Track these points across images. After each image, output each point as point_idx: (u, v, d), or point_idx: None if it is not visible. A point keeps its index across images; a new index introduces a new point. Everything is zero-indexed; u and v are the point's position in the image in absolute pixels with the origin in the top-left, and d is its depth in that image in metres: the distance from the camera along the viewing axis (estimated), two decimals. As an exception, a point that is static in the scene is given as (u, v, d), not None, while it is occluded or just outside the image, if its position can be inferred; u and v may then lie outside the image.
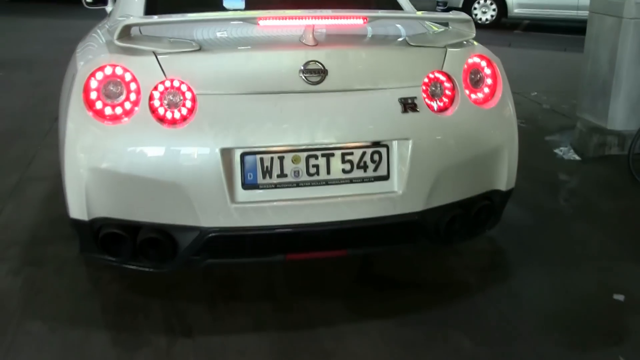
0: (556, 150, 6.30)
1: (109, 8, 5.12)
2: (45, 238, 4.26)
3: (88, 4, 5.43)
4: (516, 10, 14.82)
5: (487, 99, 3.52)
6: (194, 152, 3.06)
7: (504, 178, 3.66)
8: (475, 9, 15.09)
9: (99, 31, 3.99)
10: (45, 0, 19.99)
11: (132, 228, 3.16)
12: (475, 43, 3.71)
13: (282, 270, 3.93)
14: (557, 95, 8.50)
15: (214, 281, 3.81)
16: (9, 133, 6.54)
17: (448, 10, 15.32)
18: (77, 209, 3.15)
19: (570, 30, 14.68)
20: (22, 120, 7.03)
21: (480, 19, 15.10)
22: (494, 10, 14.97)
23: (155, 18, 3.48)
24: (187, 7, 3.71)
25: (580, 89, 6.65)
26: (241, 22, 3.65)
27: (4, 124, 6.87)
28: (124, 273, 3.71)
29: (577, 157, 6.13)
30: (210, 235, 3.11)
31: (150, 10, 3.85)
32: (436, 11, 15.58)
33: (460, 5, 15.19)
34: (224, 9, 4.56)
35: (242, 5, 4.86)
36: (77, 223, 3.19)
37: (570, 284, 3.93)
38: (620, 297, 3.76)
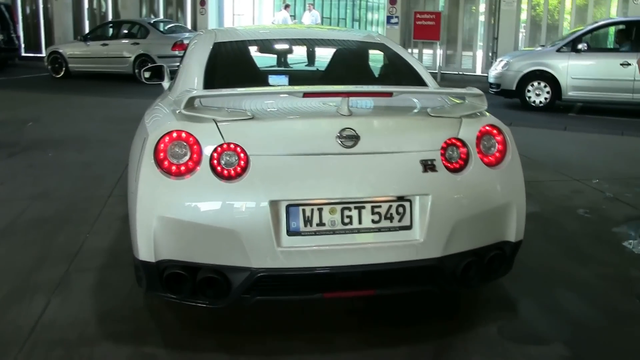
0: (625, 244, 5.96)
1: (165, 84, 5.96)
2: (92, 337, 4.02)
3: (146, 79, 6.22)
4: (570, 93, 14.52)
5: (497, 161, 4.07)
6: (246, 203, 3.62)
7: (513, 230, 4.13)
8: (529, 91, 14.81)
9: (162, 103, 4.66)
10: (97, 77, 20.31)
11: (192, 269, 3.68)
12: (488, 114, 4.24)
13: None
14: (619, 183, 8.17)
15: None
16: (56, 218, 6.36)
17: (501, 92, 15.20)
18: (146, 252, 3.70)
19: (626, 113, 14.39)
20: (70, 204, 6.86)
21: (534, 102, 14.82)
22: (547, 92, 14.66)
23: (216, 91, 4.23)
24: (237, 83, 4.55)
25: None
26: (287, 94, 4.39)
27: (52, 208, 6.71)
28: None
29: (649, 251, 5.78)
30: (259, 275, 3.62)
31: (207, 85, 4.55)
32: (489, 92, 15.43)
33: (514, 88, 14.97)
34: (269, 84, 5.54)
35: (286, 81, 6.12)
36: (144, 264, 3.74)
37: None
38: None
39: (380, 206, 3.74)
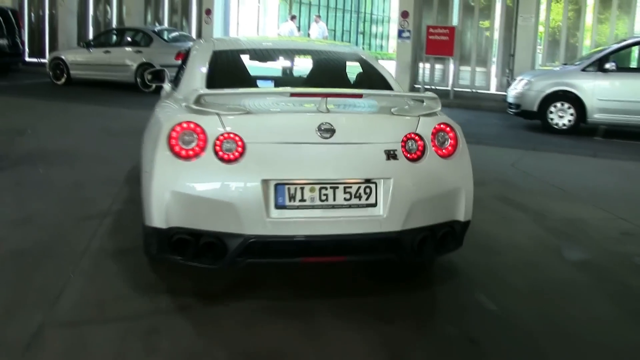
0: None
1: (166, 86, 6.72)
2: None
3: (150, 80, 6.97)
4: (596, 116, 13.66)
5: (449, 153, 4.84)
6: (243, 182, 4.38)
7: (462, 211, 4.88)
8: (551, 112, 13.95)
9: (170, 100, 5.61)
10: (99, 85, 19.57)
11: (196, 234, 4.42)
12: (441, 114, 5.04)
13: None
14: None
15: None
16: (36, 251, 5.54)
17: (521, 113, 14.43)
18: (159, 220, 4.42)
19: (655, 138, 13.57)
20: (54, 234, 6.03)
21: (557, 124, 13.95)
22: (571, 114, 13.81)
23: (220, 91, 5.08)
24: (233, 85, 5.32)
25: None
26: (277, 94, 5.37)
27: (33, 238, 5.88)
28: None
29: None
30: (251, 240, 4.36)
31: (209, 85, 5.34)
32: (508, 112, 14.71)
33: (536, 109, 14.06)
34: (258, 86, 6.68)
35: (272, 85, 7.26)
36: (157, 230, 4.45)
37: None
38: None
39: (351, 187, 4.50)
